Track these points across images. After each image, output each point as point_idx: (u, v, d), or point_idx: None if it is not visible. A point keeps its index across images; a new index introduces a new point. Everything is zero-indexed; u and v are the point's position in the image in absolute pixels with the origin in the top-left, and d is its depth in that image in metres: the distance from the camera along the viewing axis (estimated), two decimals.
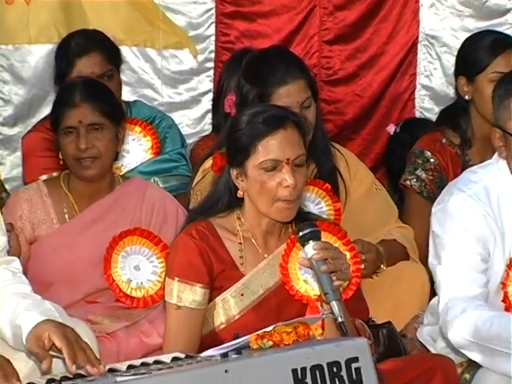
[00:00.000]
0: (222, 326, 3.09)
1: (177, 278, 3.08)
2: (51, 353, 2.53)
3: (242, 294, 3.09)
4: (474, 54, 4.10)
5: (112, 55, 4.41)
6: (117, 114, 3.76)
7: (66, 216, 3.73)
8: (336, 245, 3.11)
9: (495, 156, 3.37)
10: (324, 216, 3.55)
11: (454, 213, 3.27)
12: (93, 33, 4.49)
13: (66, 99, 3.71)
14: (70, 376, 2.41)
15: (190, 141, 4.77)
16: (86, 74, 4.16)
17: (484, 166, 3.39)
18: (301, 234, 3.00)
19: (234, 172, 3.08)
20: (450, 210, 3.29)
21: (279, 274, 3.11)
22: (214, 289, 3.10)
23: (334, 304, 2.88)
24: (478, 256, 3.23)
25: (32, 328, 2.58)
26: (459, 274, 3.21)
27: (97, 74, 4.23)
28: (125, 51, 4.69)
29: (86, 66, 4.27)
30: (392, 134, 4.91)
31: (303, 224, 3.02)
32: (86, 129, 3.63)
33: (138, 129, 4.43)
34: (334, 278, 2.94)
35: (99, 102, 3.68)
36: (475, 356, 3.15)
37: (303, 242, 2.99)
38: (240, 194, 3.09)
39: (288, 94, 3.60)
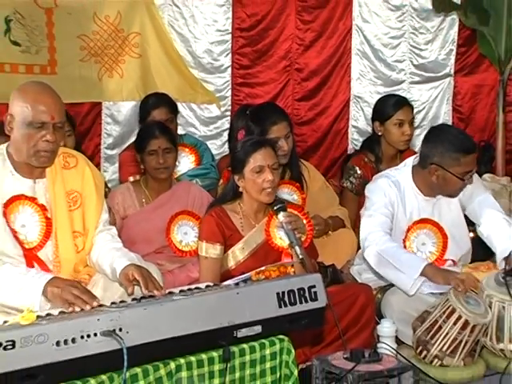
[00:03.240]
0: (233, 267, 3.05)
1: (204, 241, 3.04)
2: (134, 283, 2.49)
3: (243, 248, 3.05)
4: (383, 108, 4.01)
5: (173, 108, 4.32)
6: (176, 143, 3.73)
7: (144, 203, 3.67)
8: None
9: (400, 165, 3.33)
10: (296, 203, 3.49)
11: (379, 185, 3.23)
12: (161, 94, 4.40)
13: (150, 133, 3.64)
14: (146, 296, 2.37)
15: (216, 158, 4.72)
16: (157, 120, 4.08)
17: (396, 169, 3.32)
18: (275, 207, 2.97)
19: (236, 177, 3.04)
20: (378, 183, 3.25)
21: (264, 235, 3.07)
22: (227, 246, 3.05)
23: (297, 248, 2.84)
24: (389, 211, 3.16)
25: (122, 269, 2.55)
26: (376, 217, 3.13)
27: (164, 119, 4.14)
28: (178, 105, 4.62)
29: (158, 114, 4.19)
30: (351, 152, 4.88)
31: (276, 201, 2.99)
32: (163, 151, 3.59)
33: (187, 149, 4.38)
34: (296, 232, 2.90)
35: (169, 135, 3.66)
36: (373, 262, 3.06)
37: (277, 212, 2.95)
38: (240, 189, 3.05)
39: (278, 130, 3.53)
